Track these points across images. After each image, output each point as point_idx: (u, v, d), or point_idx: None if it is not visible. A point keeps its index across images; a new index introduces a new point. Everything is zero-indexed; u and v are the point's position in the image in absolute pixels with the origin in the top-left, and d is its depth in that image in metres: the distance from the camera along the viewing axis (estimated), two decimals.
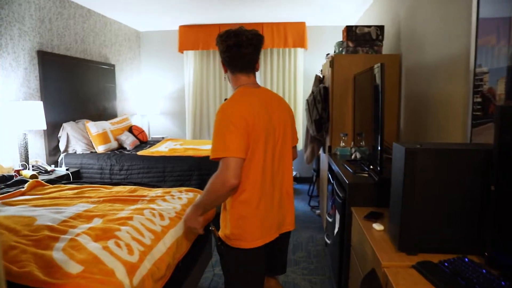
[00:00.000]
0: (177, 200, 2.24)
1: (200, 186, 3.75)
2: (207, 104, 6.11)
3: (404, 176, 1.45)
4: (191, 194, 2.38)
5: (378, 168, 2.21)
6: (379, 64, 2.16)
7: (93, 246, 1.51)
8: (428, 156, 1.44)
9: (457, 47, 2.08)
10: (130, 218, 1.83)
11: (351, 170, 2.53)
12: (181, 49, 5.91)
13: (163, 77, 6.24)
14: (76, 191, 2.41)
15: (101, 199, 2.18)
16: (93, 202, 2.13)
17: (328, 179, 3.23)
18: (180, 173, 3.79)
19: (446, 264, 1.31)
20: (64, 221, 1.78)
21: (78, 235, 1.60)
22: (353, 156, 3.01)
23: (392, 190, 1.65)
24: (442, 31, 2.32)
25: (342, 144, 3.22)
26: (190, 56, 5.99)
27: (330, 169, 3.17)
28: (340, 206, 2.41)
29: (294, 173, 6.07)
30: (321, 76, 4.05)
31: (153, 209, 2.02)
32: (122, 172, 3.85)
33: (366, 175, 2.45)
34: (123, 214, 1.91)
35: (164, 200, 2.21)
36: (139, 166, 3.85)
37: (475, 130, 1.81)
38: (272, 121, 1.60)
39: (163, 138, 5.85)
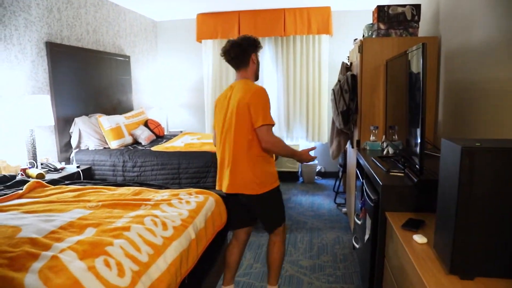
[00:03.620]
0: (184, 204, 1.97)
1: None
2: None
3: (459, 181, 1.15)
4: (201, 197, 2.10)
5: (418, 167, 1.89)
6: (419, 45, 1.82)
7: (77, 267, 1.27)
8: (493, 157, 1.14)
9: None
10: (127, 229, 1.58)
11: (383, 168, 2.22)
12: (199, 39, 5.63)
13: (181, 68, 5.99)
14: (76, 193, 2.18)
15: (100, 203, 1.94)
16: (90, 208, 1.89)
17: (357, 175, 2.92)
18: (196, 170, 3.54)
19: None
20: (52, 232, 1.55)
21: (62, 251, 1.36)
22: (384, 152, 2.69)
23: (440, 196, 1.36)
24: (496, 6, 1.94)
25: (372, 138, 2.89)
26: (208, 46, 5.71)
27: (358, 165, 2.86)
28: (372, 210, 2.13)
29: (318, 167, 5.72)
30: (348, 64, 3.69)
31: (156, 216, 1.76)
32: (135, 169, 3.64)
33: (402, 174, 2.15)
34: (120, 223, 1.66)
35: (170, 205, 1.95)
36: (152, 162, 3.62)
37: None
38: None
39: (181, 132, 5.63)
